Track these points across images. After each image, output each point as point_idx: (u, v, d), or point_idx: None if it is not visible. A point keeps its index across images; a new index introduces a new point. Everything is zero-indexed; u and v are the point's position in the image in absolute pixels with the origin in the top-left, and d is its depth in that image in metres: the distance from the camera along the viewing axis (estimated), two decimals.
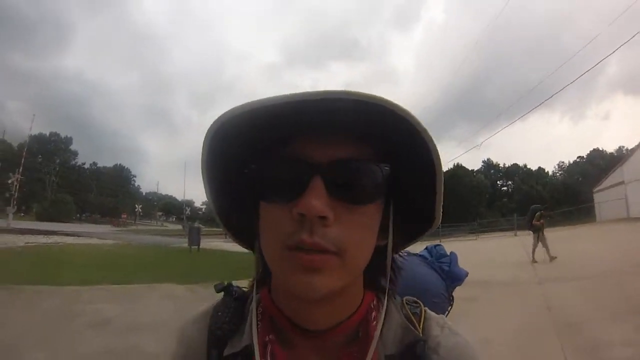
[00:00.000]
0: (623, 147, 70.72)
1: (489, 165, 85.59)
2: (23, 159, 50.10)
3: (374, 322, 0.57)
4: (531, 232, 12.22)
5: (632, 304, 5.48)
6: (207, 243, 17.12)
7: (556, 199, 54.22)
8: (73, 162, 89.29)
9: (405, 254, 0.64)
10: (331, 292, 0.49)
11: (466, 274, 1.35)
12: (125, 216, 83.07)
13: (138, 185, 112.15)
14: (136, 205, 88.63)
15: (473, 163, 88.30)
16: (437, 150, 0.48)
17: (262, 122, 0.47)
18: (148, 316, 5.99)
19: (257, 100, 0.45)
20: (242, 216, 0.59)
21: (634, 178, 31.14)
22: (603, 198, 35.66)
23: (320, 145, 0.49)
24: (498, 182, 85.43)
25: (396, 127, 0.46)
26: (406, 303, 0.63)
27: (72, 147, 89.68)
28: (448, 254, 1.38)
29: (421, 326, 0.59)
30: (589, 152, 79.15)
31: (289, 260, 0.48)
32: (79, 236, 26.01)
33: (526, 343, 4.69)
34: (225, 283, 0.66)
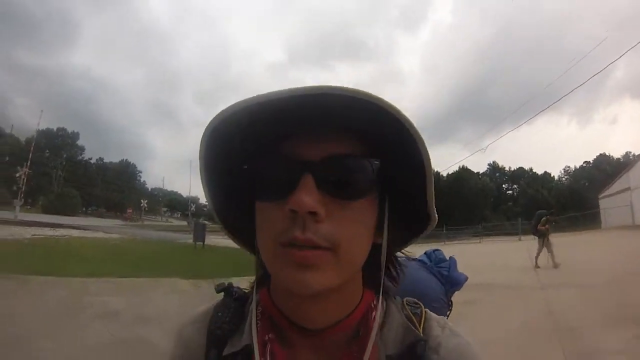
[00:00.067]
0: (630, 152, 70.39)
1: (494, 168, 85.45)
2: (31, 154, 50.50)
3: (374, 321, 0.57)
4: (536, 237, 12.17)
5: (632, 313, 5.48)
6: (211, 239, 17.15)
7: (562, 203, 53.99)
8: (80, 157, 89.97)
9: (404, 258, 0.66)
10: (325, 289, 0.49)
11: (465, 279, 1.36)
12: (130, 211, 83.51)
13: (144, 181, 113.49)
14: (142, 201, 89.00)
15: (479, 166, 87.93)
16: (425, 147, 0.49)
17: (254, 121, 0.48)
18: (154, 309, 6.08)
19: (248, 98, 0.46)
20: (241, 215, 0.60)
21: None
22: (609, 204, 35.49)
23: (312, 143, 0.50)
24: (503, 185, 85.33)
25: (385, 124, 0.46)
26: (407, 304, 0.64)
27: (79, 142, 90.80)
28: (447, 258, 1.39)
29: (422, 326, 0.60)
30: (595, 157, 78.77)
31: (283, 257, 0.49)
32: (85, 229, 26.04)
33: (524, 345, 4.75)
34: (226, 283, 0.67)
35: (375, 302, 0.60)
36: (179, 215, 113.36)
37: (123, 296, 6.73)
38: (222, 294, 0.67)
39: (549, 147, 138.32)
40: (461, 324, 0.62)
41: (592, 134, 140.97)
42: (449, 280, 1.30)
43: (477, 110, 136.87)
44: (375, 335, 0.55)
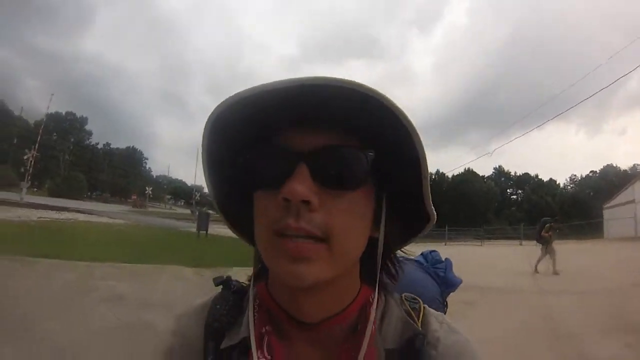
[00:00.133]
0: (637, 165, 70.11)
1: (500, 172, 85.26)
2: (39, 137, 50.79)
3: (372, 316, 0.58)
4: (539, 244, 12.18)
5: (626, 322, 5.56)
6: (214, 229, 17.27)
7: (565, 211, 53.88)
8: (87, 142, 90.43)
9: (401, 258, 0.67)
10: (319, 281, 0.50)
11: (460, 281, 1.34)
12: (135, 197, 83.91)
13: (149, 168, 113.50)
14: (147, 188, 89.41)
15: (484, 169, 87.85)
16: (420, 140, 0.49)
17: (252, 112, 0.49)
18: (158, 295, 6.20)
19: (247, 89, 0.47)
20: (241, 206, 0.60)
21: None
22: (612, 215, 35.39)
23: (307, 134, 0.51)
24: (508, 190, 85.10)
25: (382, 117, 0.47)
26: (405, 299, 0.64)
27: (87, 127, 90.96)
28: (443, 259, 1.38)
29: (420, 321, 0.60)
30: (602, 167, 78.27)
31: (277, 248, 0.50)
32: (90, 214, 26.32)
33: (518, 346, 4.83)
34: (224, 276, 0.68)
35: (372, 297, 0.60)
36: (182, 203, 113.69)
37: (128, 281, 6.87)
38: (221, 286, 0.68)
39: (556, 154, 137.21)
40: (459, 322, 0.62)
41: (600, 144, 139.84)
42: (445, 281, 1.28)
43: (486, 113, 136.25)
44: (374, 329, 0.56)
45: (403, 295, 0.65)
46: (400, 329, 0.59)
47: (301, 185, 0.47)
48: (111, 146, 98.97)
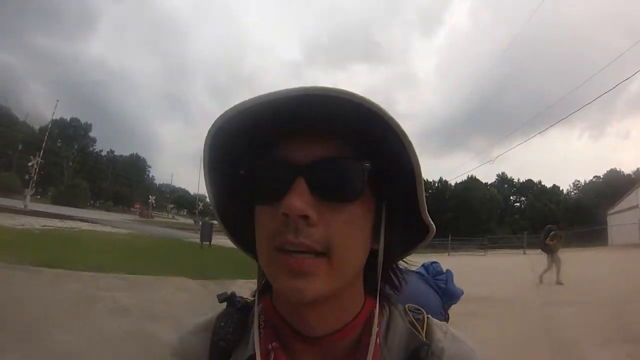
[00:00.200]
0: None
1: (502, 179, 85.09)
2: (44, 143, 51.02)
3: (377, 328, 0.57)
4: (544, 252, 12.06)
5: (627, 332, 5.55)
6: (218, 240, 17.29)
7: (569, 218, 53.58)
8: (91, 149, 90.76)
9: (405, 270, 0.68)
10: (321, 296, 0.50)
11: (461, 293, 1.34)
12: (138, 206, 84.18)
13: (152, 176, 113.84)
14: (150, 197, 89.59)
15: (487, 176, 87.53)
16: (413, 149, 0.49)
17: (251, 124, 0.50)
18: (163, 307, 6.23)
19: (245, 101, 0.48)
20: (242, 219, 0.61)
21: None
22: (616, 221, 35.18)
23: (304, 146, 0.51)
24: (511, 197, 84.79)
25: (377, 126, 0.48)
26: (409, 310, 0.65)
27: (91, 133, 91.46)
28: (444, 271, 1.38)
29: (424, 332, 0.61)
30: (606, 172, 77.89)
31: (278, 263, 0.50)
32: (93, 223, 26.35)
33: (520, 356, 4.86)
34: (228, 293, 0.68)
35: (377, 309, 0.60)
36: (185, 212, 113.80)
37: (133, 292, 6.88)
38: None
39: (560, 159, 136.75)
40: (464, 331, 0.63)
41: (603, 149, 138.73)
42: (446, 293, 1.29)
43: (489, 118, 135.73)
44: (379, 341, 0.57)
45: (407, 306, 0.66)
46: (405, 340, 0.59)
47: (299, 201, 0.47)
48: (115, 153, 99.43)
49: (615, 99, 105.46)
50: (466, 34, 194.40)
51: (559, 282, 10.92)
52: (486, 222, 66.25)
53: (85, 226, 22.64)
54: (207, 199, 0.59)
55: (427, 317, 0.64)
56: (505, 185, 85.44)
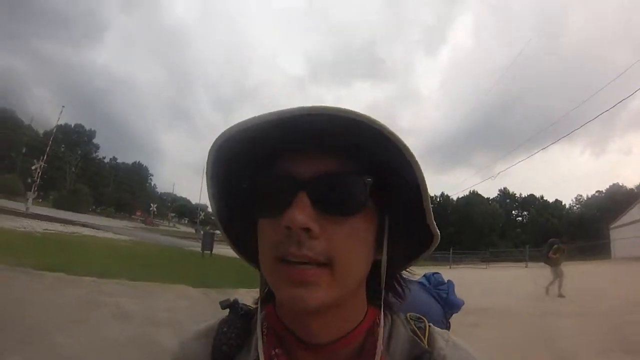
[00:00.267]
0: None
1: (504, 194, 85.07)
2: (48, 148, 51.24)
3: (380, 336, 0.58)
4: (547, 266, 12.02)
5: (628, 343, 5.56)
6: (219, 249, 17.31)
7: (571, 232, 53.47)
8: (94, 155, 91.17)
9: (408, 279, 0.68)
10: (323, 305, 0.50)
11: (462, 303, 1.36)
12: (140, 213, 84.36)
13: (154, 185, 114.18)
14: (151, 205, 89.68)
15: (490, 191, 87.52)
16: (417, 164, 0.50)
17: (253, 140, 0.51)
18: (165, 313, 6.23)
19: (249, 119, 0.49)
20: (246, 231, 0.61)
21: None
22: (619, 235, 35.06)
23: (306, 161, 0.52)
24: (513, 212, 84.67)
25: (379, 142, 0.48)
26: (410, 319, 0.65)
27: (95, 140, 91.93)
28: (445, 281, 1.39)
29: (426, 340, 0.61)
30: (608, 186, 77.71)
31: (280, 274, 0.51)
32: (95, 229, 26.40)
33: None
34: (231, 299, 0.68)
35: (379, 318, 0.60)
36: (186, 221, 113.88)
37: (135, 298, 6.89)
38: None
39: (562, 175, 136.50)
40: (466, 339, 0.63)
41: (606, 164, 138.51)
42: (448, 303, 1.31)
43: (491, 136, 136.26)
44: (382, 350, 0.57)
45: (408, 314, 0.66)
46: (408, 348, 0.59)
47: (301, 214, 0.48)
48: (117, 161, 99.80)
49: (617, 115, 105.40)
50: (469, 52, 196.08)
51: (560, 295, 10.89)
52: (488, 236, 66.24)
53: (86, 231, 22.70)
54: (209, 209, 0.60)
55: (429, 326, 0.64)
56: (508, 200, 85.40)
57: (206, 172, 0.55)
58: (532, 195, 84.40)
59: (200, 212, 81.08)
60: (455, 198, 72.90)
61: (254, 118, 0.48)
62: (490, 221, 71.35)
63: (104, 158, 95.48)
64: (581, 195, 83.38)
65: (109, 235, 23.44)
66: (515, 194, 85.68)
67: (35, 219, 22.97)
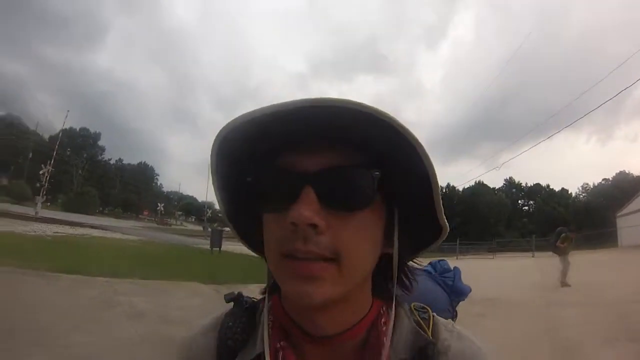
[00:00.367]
0: None
1: (510, 184, 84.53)
2: (55, 152, 51.54)
3: (384, 328, 0.58)
4: (555, 255, 12.00)
5: (631, 332, 5.61)
6: (227, 246, 17.43)
7: (578, 221, 53.16)
8: (100, 157, 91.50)
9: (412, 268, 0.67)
10: (329, 300, 0.50)
11: (469, 290, 1.35)
12: (147, 213, 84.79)
13: (160, 184, 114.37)
14: (158, 204, 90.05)
15: (495, 181, 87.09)
16: (428, 157, 0.49)
17: (257, 132, 0.50)
18: (178, 311, 6.37)
19: (252, 111, 0.48)
20: (252, 224, 0.60)
21: None
22: (626, 223, 34.77)
23: (312, 154, 0.51)
24: (519, 201, 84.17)
25: (387, 135, 0.47)
26: (414, 309, 0.65)
27: (100, 142, 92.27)
28: (452, 268, 1.39)
29: (430, 330, 0.61)
30: (614, 174, 77.07)
31: (286, 269, 0.50)
32: (104, 229, 26.59)
33: (525, 352, 4.99)
34: (236, 293, 0.68)
35: (384, 309, 0.61)
36: (193, 219, 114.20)
37: (148, 297, 7.05)
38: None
39: (568, 164, 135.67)
40: (470, 329, 0.64)
41: (612, 151, 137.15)
42: (454, 290, 1.31)
43: (495, 126, 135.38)
44: (386, 341, 0.57)
45: (412, 305, 0.66)
46: (411, 339, 0.59)
47: (307, 210, 0.47)
48: (123, 162, 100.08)
49: (622, 103, 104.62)
50: (471, 45, 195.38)
51: (565, 284, 10.89)
52: (494, 227, 65.93)
53: (95, 233, 22.85)
54: (215, 206, 0.65)
55: (433, 316, 0.64)
56: (513, 190, 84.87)
57: (210, 165, 0.56)
58: (538, 185, 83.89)
59: (207, 210, 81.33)
60: (461, 189, 72.68)
61: (257, 110, 0.47)
62: (496, 211, 70.99)
63: (110, 160, 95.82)
64: (587, 184, 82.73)
65: (118, 235, 23.59)
66: (521, 184, 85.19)
67: (44, 223, 23.15)
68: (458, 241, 33.79)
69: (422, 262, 0.73)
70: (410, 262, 0.66)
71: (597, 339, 5.50)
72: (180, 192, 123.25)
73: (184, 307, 6.65)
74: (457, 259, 26.59)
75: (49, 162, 47.31)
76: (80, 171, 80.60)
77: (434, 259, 1.40)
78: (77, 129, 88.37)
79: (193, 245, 22.13)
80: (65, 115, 66.80)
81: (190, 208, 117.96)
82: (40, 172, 46.05)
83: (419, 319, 0.63)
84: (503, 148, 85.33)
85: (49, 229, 19.14)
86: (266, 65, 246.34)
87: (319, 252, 0.48)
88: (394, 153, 0.49)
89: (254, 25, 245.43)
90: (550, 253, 12.96)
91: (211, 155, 0.54)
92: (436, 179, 0.51)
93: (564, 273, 11.13)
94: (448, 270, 1.37)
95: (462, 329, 0.63)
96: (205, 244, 20.76)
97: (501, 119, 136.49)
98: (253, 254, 0.68)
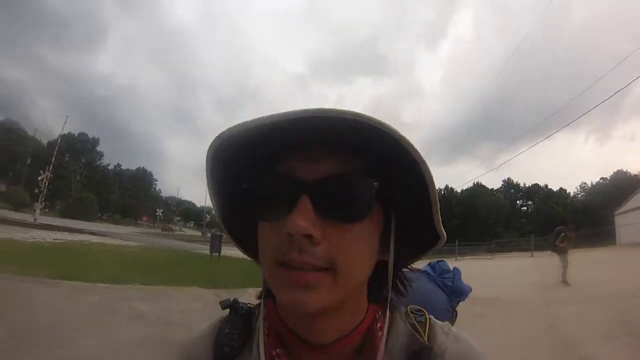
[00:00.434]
0: None
1: (509, 184, 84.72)
2: (53, 158, 51.42)
3: (379, 333, 0.58)
4: (554, 254, 12.06)
5: (628, 326, 5.70)
6: (226, 251, 17.45)
7: (576, 220, 53.22)
8: (98, 163, 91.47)
9: (408, 270, 0.68)
10: (324, 308, 0.49)
11: (470, 290, 1.34)
12: (146, 218, 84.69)
13: (159, 189, 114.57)
14: (157, 209, 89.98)
15: (493, 182, 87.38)
16: (427, 166, 0.48)
17: (254, 140, 0.49)
18: (180, 315, 6.40)
19: (250, 120, 0.46)
20: (247, 230, 0.59)
21: None
22: (624, 221, 34.84)
23: (309, 162, 0.50)
24: (517, 201, 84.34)
25: (384, 143, 0.46)
26: (411, 312, 0.64)
27: (98, 148, 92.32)
28: (451, 269, 1.38)
29: (426, 334, 0.60)
30: (612, 173, 77.29)
31: (281, 277, 0.50)
32: (103, 236, 26.56)
33: (524, 351, 5.04)
34: (231, 299, 0.68)
35: (380, 313, 0.60)
36: (192, 224, 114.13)
37: (149, 302, 7.07)
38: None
39: (566, 164, 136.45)
40: (467, 331, 0.63)
41: (610, 151, 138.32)
42: (454, 290, 1.29)
43: (493, 127, 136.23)
44: (381, 346, 0.57)
45: (409, 307, 0.65)
46: (406, 343, 0.59)
47: (304, 220, 0.46)
48: (122, 167, 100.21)
49: (619, 102, 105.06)
50: (470, 45, 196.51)
51: (564, 282, 10.97)
52: (493, 227, 66.04)
53: (95, 239, 22.79)
54: (214, 211, 0.63)
55: (429, 318, 0.64)
56: (512, 190, 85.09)
57: (206, 170, 0.55)
58: (536, 185, 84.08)
59: (206, 215, 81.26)
60: (459, 190, 72.84)
61: (252, 121, 0.46)
62: (495, 212, 71.15)
63: (108, 165, 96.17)
64: (585, 183, 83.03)
65: (117, 241, 23.56)
66: (519, 184, 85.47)
67: (43, 229, 23.08)
68: (457, 242, 33.84)
69: (420, 263, 0.72)
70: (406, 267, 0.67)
71: (597, 336, 5.55)
72: (179, 197, 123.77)
73: (186, 311, 6.69)
74: (456, 259, 26.58)
75: (47, 168, 47.16)
76: (78, 177, 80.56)
77: (432, 260, 1.39)
78: (76, 134, 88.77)
79: (192, 251, 22.14)
80: (64, 121, 66.61)
81: (188, 213, 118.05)
82: (39, 178, 45.82)
83: (415, 322, 0.62)
84: (502, 148, 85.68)
85: (48, 236, 19.12)
86: (266, 66, 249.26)
87: (315, 263, 0.48)
88: (392, 161, 0.48)
89: (254, 25, 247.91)
90: (549, 252, 13.02)
91: (206, 160, 0.53)
92: (434, 187, 0.50)
93: (564, 272, 11.17)
94: (447, 271, 1.36)
95: (458, 331, 0.63)
96: (204, 249, 20.82)
97: (500, 119, 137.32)
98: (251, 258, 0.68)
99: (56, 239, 18.17)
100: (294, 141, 0.49)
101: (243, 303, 0.68)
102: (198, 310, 6.78)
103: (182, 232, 78.41)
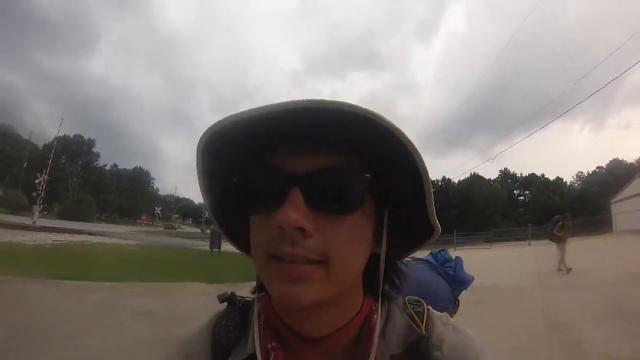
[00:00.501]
0: None
1: (505, 174, 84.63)
2: (50, 161, 51.28)
3: (376, 325, 0.57)
4: (552, 242, 12.15)
5: (621, 311, 5.85)
6: (226, 246, 17.57)
7: (573, 209, 53.41)
8: (95, 164, 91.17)
9: (410, 259, 0.65)
10: (317, 302, 0.49)
11: (472, 279, 1.33)
12: (144, 217, 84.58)
13: (157, 188, 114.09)
14: (155, 208, 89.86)
15: (490, 172, 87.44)
16: (421, 158, 0.48)
17: (246, 133, 0.48)
18: (185, 310, 6.49)
19: (244, 111, 0.45)
20: (238, 223, 0.58)
21: None
22: (620, 209, 35.11)
23: (301, 154, 0.49)
24: (515, 191, 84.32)
25: (379, 136, 0.46)
26: (409, 302, 0.64)
27: (94, 148, 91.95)
28: (453, 258, 1.37)
29: (424, 324, 0.60)
30: (608, 162, 77.49)
31: (273, 270, 0.49)
32: (102, 236, 26.65)
33: (525, 336, 5.17)
34: (229, 293, 0.68)
35: (376, 306, 0.59)
36: (190, 221, 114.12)
37: (154, 298, 7.20)
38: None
39: (562, 153, 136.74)
40: (470, 320, 0.64)
41: (605, 139, 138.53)
42: (455, 280, 1.28)
43: (489, 118, 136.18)
44: (378, 337, 0.56)
45: (407, 298, 0.65)
46: (404, 334, 0.59)
47: (295, 213, 0.46)
48: (118, 167, 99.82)
49: (614, 91, 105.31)
50: (463, 37, 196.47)
51: (559, 269, 11.13)
52: (490, 217, 66.08)
53: (94, 239, 22.91)
54: (205, 205, 0.62)
55: (427, 309, 0.63)
56: (509, 181, 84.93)
57: (197, 164, 0.54)
58: (533, 175, 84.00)
59: (204, 212, 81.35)
60: (456, 181, 72.84)
61: (244, 112, 0.46)
62: (492, 202, 71.12)
63: (105, 166, 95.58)
64: (582, 172, 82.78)
65: (117, 241, 23.70)
66: (516, 174, 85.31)
67: (43, 232, 23.21)
68: (455, 232, 34.05)
69: (422, 253, 0.72)
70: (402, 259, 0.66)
71: (593, 320, 5.68)
72: (177, 195, 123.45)
73: (190, 306, 6.79)
74: (455, 250, 26.74)
75: (44, 170, 47.00)
76: (75, 178, 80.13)
77: (434, 250, 1.39)
78: (71, 136, 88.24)
79: (193, 247, 22.24)
80: (59, 123, 66.60)
81: (187, 210, 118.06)
82: (36, 181, 45.66)
83: (413, 312, 0.62)
84: (497, 139, 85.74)
85: (48, 238, 19.21)
86: (264, 64, 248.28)
87: (307, 256, 0.47)
88: (387, 153, 0.48)
89: (249, 24, 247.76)
90: (547, 241, 13.11)
91: (197, 152, 0.53)
92: (428, 178, 0.50)
93: (562, 260, 11.29)
94: (449, 260, 1.35)
95: (457, 322, 0.62)
96: (204, 245, 20.96)
97: (495, 110, 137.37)
98: None
99: (56, 241, 18.24)
100: (286, 133, 0.48)
101: (240, 296, 0.68)
102: (203, 304, 6.87)
103: (178, 229, 78.47)
